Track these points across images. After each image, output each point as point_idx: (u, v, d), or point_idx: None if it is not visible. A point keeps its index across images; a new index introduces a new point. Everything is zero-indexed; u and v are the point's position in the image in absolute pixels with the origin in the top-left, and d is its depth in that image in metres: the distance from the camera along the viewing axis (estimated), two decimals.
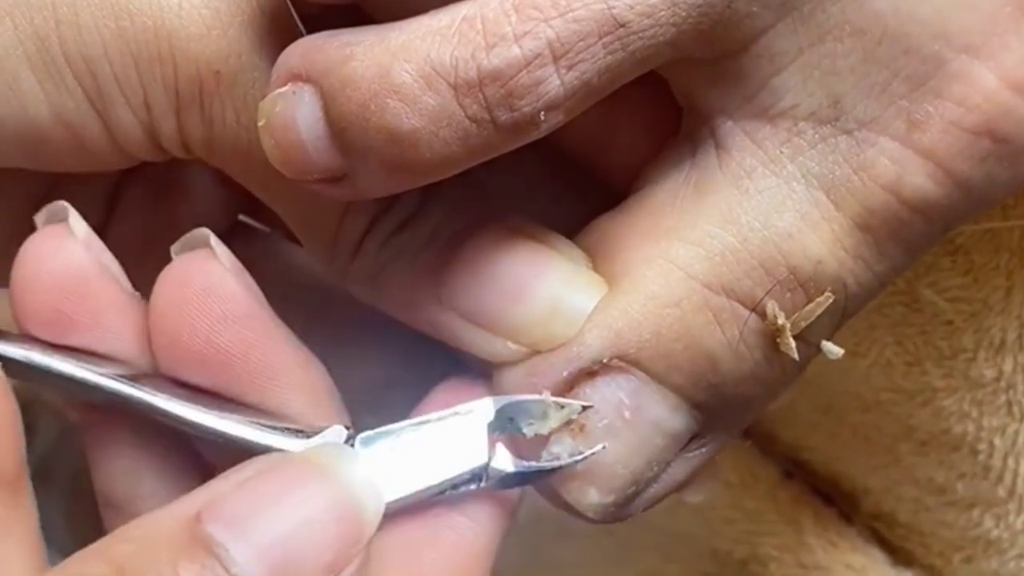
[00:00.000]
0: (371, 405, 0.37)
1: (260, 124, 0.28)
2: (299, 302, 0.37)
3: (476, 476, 0.30)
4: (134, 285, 0.37)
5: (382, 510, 0.28)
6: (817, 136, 0.29)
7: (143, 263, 0.36)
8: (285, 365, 0.30)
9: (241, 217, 0.38)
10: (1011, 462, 0.39)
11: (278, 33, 0.29)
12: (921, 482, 0.41)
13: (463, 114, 0.26)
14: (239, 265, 0.30)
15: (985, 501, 0.40)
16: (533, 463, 0.30)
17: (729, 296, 0.29)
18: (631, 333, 0.29)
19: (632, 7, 0.26)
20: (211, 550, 0.25)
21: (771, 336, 0.29)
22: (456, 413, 0.30)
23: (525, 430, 0.30)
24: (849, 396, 0.40)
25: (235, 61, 0.29)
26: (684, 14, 0.27)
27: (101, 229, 0.36)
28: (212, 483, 0.27)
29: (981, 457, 0.39)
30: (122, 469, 0.32)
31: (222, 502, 0.26)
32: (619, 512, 0.31)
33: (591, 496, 0.30)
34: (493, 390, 0.31)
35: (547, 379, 0.30)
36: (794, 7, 0.28)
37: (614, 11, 0.26)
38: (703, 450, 0.31)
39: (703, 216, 0.29)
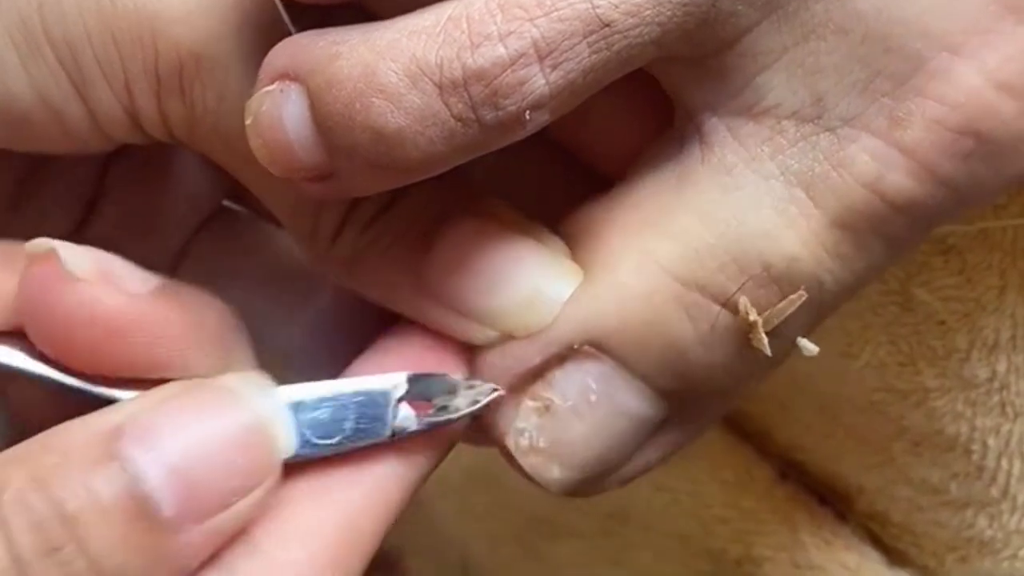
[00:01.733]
0: None
1: (247, 123, 0.28)
2: (284, 285, 0.38)
3: (378, 442, 0.30)
4: None
5: (294, 441, 0.29)
6: (799, 134, 0.29)
7: (129, 245, 0.36)
8: (183, 340, 0.29)
9: (225, 202, 0.38)
10: (1004, 462, 0.39)
11: (259, 18, 0.29)
12: (915, 482, 0.41)
13: (448, 113, 0.26)
14: (91, 259, 0.29)
15: (979, 501, 0.40)
16: (434, 418, 0.30)
17: (701, 292, 0.29)
18: (602, 321, 0.29)
19: (617, 6, 0.26)
20: (123, 466, 0.26)
21: (743, 332, 0.29)
22: (370, 383, 0.30)
23: (435, 401, 0.30)
24: (842, 397, 0.40)
25: (215, 45, 0.29)
26: (669, 13, 0.27)
27: (88, 211, 0.36)
28: (130, 401, 0.28)
29: (975, 457, 0.39)
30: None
31: (138, 420, 0.27)
32: (587, 487, 0.31)
33: (553, 472, 0.31)
34: (412, 357, 0.31)
35: (521, 365, 0.30)
36: (778, 5, 0.28)
37: (599, 10, 0.26)
38: (673, 435, 0.32)
39: (682, 211, 0.29)
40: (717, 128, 0.29)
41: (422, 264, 0.30)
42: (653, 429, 0.31)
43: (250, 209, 0.39)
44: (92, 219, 0.36)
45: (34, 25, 0.29)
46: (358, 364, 0.31)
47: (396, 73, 0.26)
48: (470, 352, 0.31)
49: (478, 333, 0.30)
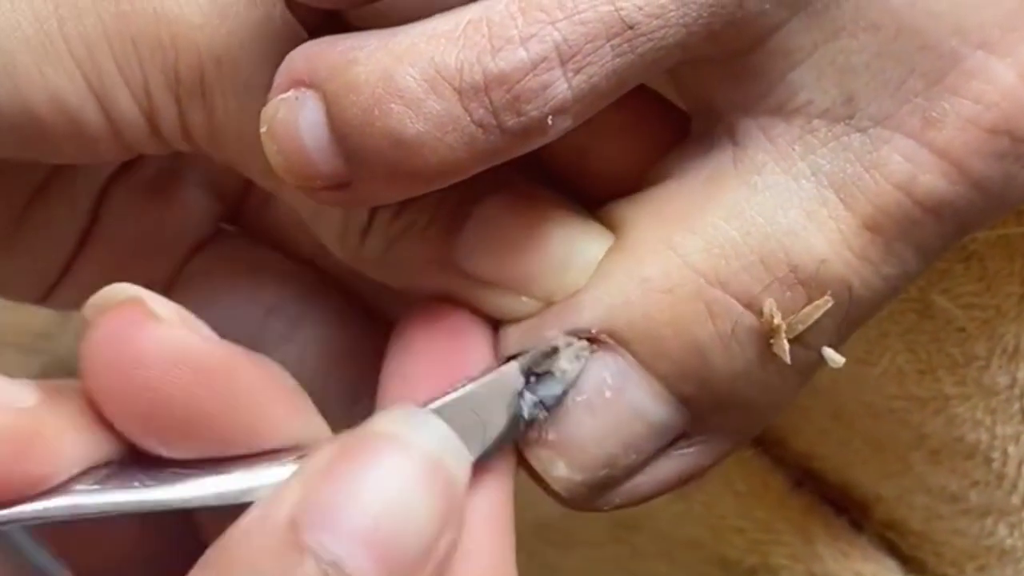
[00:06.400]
0: (349, 409, 0.37)
1: (262, 131, 0.27)
2: (280, 307, 0.37)
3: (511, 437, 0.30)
4: None
5: (469, 464, 0.28)
6: (830, 134, 0.28)
7: (127, 269, 0.35)
8: (260, 388, 0.28)
9: (223, 225, 0.38)
10: None
11: (277, 23, 0.29)
12: (934, 490, 0.40)
13: (469, 119, 0.26)
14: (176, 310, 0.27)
15: (999, 509, 0.39)
16: (551, 391, 0.29)
17: (724, 289, 0.28)
18: (623, 312, 0.29)
19: (640, 8, 0.26)
20: (317, 557, 0.24)
21: (766, 337, 0.29)
22: (487, 385, 0.29)
23: (540, 372, 0.30)
24: (860, 404, 0.40)
25: (235, 50, 0.29)
26: (695, 14, 0.26)
27: (86, 233, 0.35)
28: (291, 483, 0.26)
29: (995, 465, 0.39)
30: None
31: (310, 502, 0.25)
32: (592, 496, 0.30)
33: (560, 469, 0.30)
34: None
35: (537, 339, 0.30)
36: (807, 3, 0.27)
37: (622, 12, 0.26)
38: (693, 450, 0.31)
39: (709, 208, 0.29)
40: (750, 128, 0.29)
41: (454, 244, 0.30)
42: (669, 439, 0.30)
43: (247, 231, 0.38)
44: (92, 238, 0.36)
45: (50, 26, 0.28)
46: (388, 379, 0.31)
47: (415, 78, 0.26)
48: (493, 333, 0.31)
49: (515, 302, 0.30)
